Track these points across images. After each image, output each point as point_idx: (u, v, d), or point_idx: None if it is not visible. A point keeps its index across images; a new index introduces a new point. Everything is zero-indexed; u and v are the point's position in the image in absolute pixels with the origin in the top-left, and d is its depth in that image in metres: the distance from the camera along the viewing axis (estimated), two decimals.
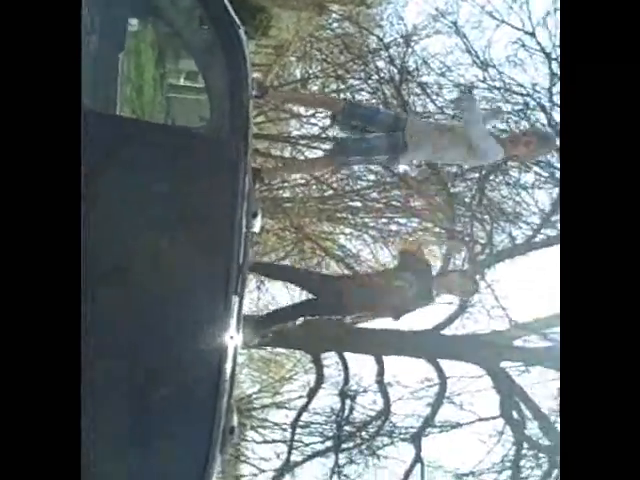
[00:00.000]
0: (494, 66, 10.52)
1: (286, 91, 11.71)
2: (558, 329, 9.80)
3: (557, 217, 10.17)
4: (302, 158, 11.91)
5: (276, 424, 11.73)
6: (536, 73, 10.79)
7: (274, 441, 11.37)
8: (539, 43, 10.15)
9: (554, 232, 10.33)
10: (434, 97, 10.88)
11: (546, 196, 10.80)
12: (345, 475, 10.67)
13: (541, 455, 10.26)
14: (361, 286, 5.33)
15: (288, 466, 10.77)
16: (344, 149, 5.07)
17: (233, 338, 3.00)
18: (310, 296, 5.54)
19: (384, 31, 12.07)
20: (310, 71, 12.97)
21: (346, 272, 10.83)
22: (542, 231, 10.54)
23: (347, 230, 12.49)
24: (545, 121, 9.94)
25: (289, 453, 10.77)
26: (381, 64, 11.44)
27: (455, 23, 10.90)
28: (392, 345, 9.95)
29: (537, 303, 15.39)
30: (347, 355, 10.55)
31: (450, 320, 10.26)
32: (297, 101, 9.71)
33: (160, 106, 14.44)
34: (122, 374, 2.80)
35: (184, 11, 3.53)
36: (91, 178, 2.33)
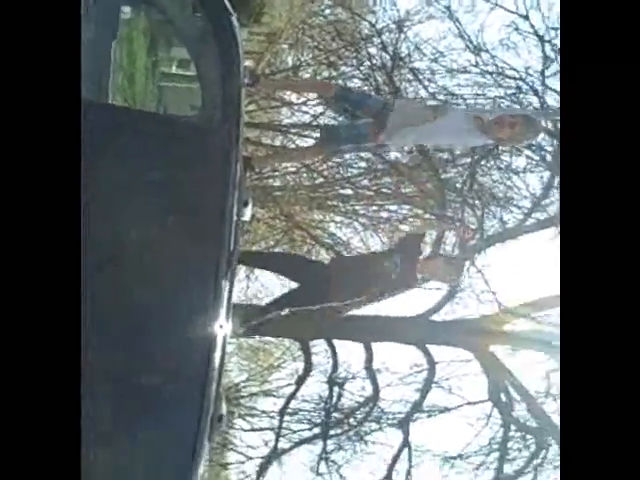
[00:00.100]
0: (487, 50, 10.57)
1: (277, 79, 11.67)
2: (546, 313, 9.92)
3: (547, 201, 10.24)
4: (293, 146, 11.90)
5: (264, 412, 11.80)
6: (529, 56, 10.89)
7: (262, 429, 11.46)
8: (532, 26, 10.21)
9: (544, 216, 10.39)
10: (426, 83, 10.88)
11: (537, 180, 10.87)
12: (333, 461, 10.77)
13: (528, 437, 10.38)
14: (350, 268, 5.34)
15: (275, 453, 10.83)
16: (334, 136, 5.07)
17: (222, 327, 3.01)
18: (295, 285, 5.55)
19: (377, 17, 12.12)
20: (302, 59, 12.93)
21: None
22: (533, 215, 10.59)
23: (337, 218, 12.51)
24: (538, 105, 9.95)
25: (277, 440, 10.82)
26: (373, 50, 11.44)
27: (448, 7, 10.94)
28: (381, 331, 9.99)
29: (526, 287, 15.53)
30: (336, 342, 10.58)
31: (439, 305, 10.31)
32: (289, 87, 9.69)
33: (152, 94, 14.39)
34: (111, 362, 2.80)
35: None
36: (83, 166, 2.33)
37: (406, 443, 10.49)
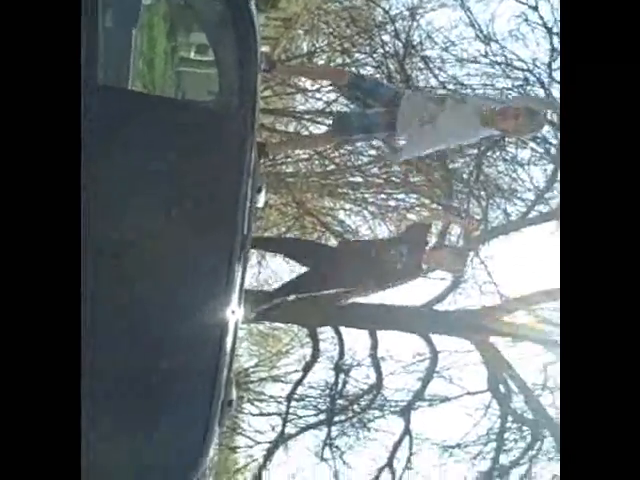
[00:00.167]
0: (497, 40, 10.51)
1: (293, 65, 11.63)
2: (547, 305, 9.94)
3: (550, 194, 10.23)
4: (306, 133, 11.88)
5: (272, 397, 11.83)
6: (537, 48, 10.78)
7: (269, 414, 11.49)
8: (542, 17, 10.12)
9: (547, 209, 10.37)
10: (437, 72, 10.85)
11: (541, 173, 10.84)
12: (336, 447, 10.82)
13: (525, 428, 10.43)
14: (357, 251, 5.35)
15: (282, 438, 10.89)
16: (346, 125, 5.05)
17: (234, 312, 3.03)
18: (303, 269, 5.56)
19: (390, 3, 12.05)
20: (317, 45, 12.90)
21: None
22: (536, 208, 10.58)
23: (347, 205, 12.51)
24: (544, 97, 9.90)
25: (284, 426, 10.89)
26: (386, 38, 11.41)
27: None
28: (385, 320, 10.01)
29: (528, 279, 15.51)
30: (342, 330, 10.62)
31: (443, 295, 10.32)
32: (304, 73, 9.65)
33: (171, 79, 14.38)
34: (125, 348, 2.82)
35: None
36: (102, 152, 2.34)
37: (407, 431, 10.55)
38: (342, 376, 10.89)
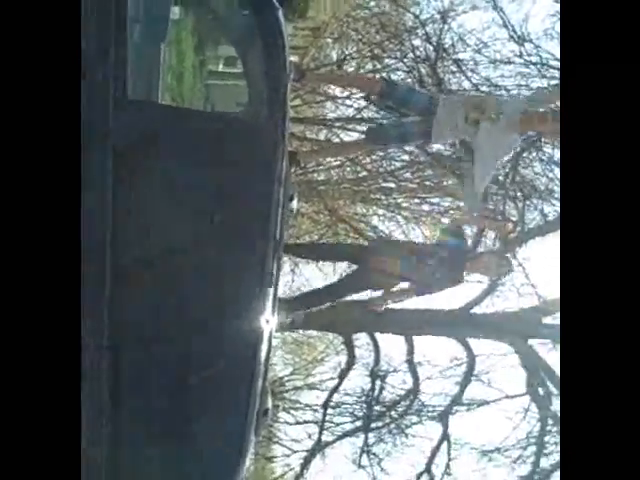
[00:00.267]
0: (531, 40, 10.33)
1: (322, 73, 11.63)
2: None
3: None
4: (337, 141, 11.87)
5: (307, 405, 11.84)
6: None
7: (305, 422, 11.49)
8: None
9: None
10: (469, 74, 10.76)
11: None
12: (374, 454, 10.77)
13: None
14: (407, 252, 5.26)
15: (319, 446, 10.88)
16: (380, 135, 5.01)
17: (269, 321, 3.04)
18: (348, 271, 5.52)
19: (420, 8, 11.97)
20: (346, 52, 12.89)
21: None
22: None
23: (380, 211, 12.47)
24: None
25: (320, 433, 10.86)
26: (417, 42, 11.32)
27: None
28: (422, 325, 9.95)
29: None
30: (377, 336, 10.58)
31: (480, 299, 10.22)
32: (334, 82, 9.66)
33: (199, 92, 14.51)
34: (161, 357, 2.84)
35: None
36: (135, 165, 2.36)
37: (445, 436, 10.47)
38: (378, 382, 10.84)
